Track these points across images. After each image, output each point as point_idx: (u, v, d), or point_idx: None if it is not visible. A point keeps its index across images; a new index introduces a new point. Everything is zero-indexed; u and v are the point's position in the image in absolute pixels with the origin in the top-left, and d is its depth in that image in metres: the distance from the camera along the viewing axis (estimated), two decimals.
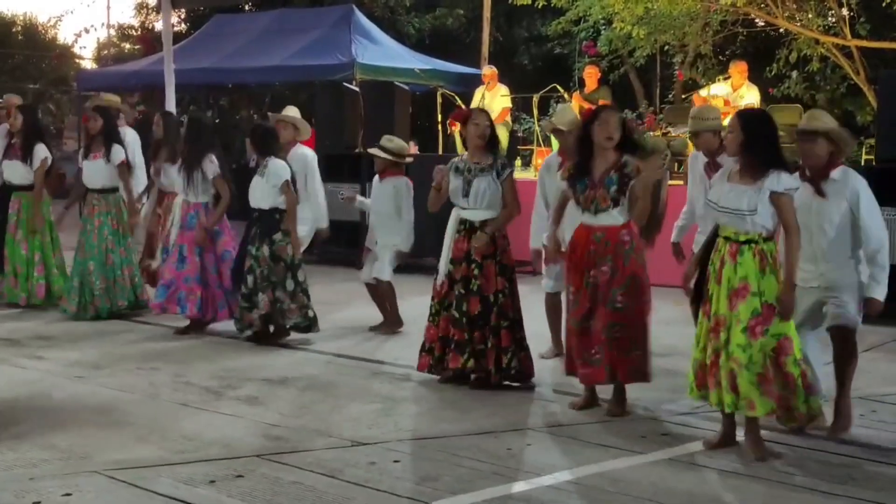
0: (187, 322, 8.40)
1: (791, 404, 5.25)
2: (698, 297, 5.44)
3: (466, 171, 6.66)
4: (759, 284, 5.15)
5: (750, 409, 5.20)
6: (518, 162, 15.57)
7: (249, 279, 7.83)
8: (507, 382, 6.62)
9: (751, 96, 12.83)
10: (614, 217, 6.00)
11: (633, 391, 6.50)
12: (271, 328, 8.03)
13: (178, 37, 17.28)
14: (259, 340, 7.97)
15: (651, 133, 13.33)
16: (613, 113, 6.10)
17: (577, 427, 5.81)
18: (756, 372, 5.14)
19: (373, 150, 8.31)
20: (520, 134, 17.18)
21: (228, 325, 8.33)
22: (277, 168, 7.79)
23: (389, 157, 8.10)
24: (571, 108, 7.79)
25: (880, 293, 5.50)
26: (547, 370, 6.86)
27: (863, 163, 12.86)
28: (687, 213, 7.10)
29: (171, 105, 11.97)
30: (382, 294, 8.42)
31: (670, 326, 7.15)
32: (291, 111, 8.92)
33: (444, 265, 6.68)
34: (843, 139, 5.56)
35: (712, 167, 6.75)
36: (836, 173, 5.54)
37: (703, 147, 6.83)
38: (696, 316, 5.55)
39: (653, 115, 14.69)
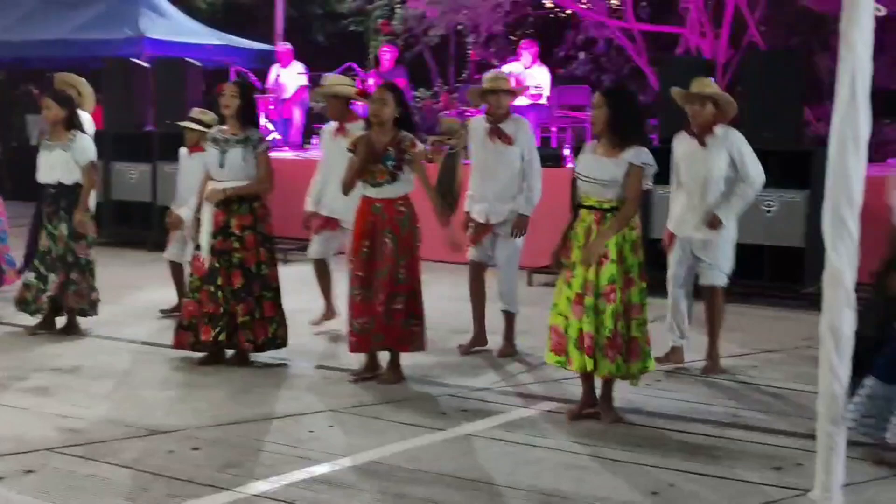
0: None
1: (630, 367, 5.51)
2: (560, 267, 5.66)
3: (223, 142, 6.68)
4: (617, 252, 5.44)
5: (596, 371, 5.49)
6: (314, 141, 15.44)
7: (46, 258, 7.48)
8: (269, 352, 6.77)
9: (540, 76, 13.17)
10: (392, 190, 6.21)
11: (431, 369, 6.63)
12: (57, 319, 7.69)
13: None
14: (46, 327, 7.63)
15: (446, 113, 13.51)
16: (386, 91, 6.27)
17: (379, 407, 5.86)
18: (605, 336, 5.41)
19: (186, 123, 8.08)
20: (316, 112, 17.06)
21: (11, 313, 7.94)
22: (87, 144, 7.54)
23: (204, 130, 7.84)
24: (341, 77, 7.97)
25: (724, 212, 6.50)
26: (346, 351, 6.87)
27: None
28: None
29: None
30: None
31: (464, 303, 7.29)
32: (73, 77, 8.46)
33: (205, 241, 6.65)
34: (727, 102, 6.58)
35: (496, 133, 6.91)
36: (718, 129, 6.56)
37: (495, 108, 6.96)
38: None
39: (448, 93, 14.88)
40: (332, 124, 7.61)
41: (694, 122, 6.58)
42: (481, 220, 7.03)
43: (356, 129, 7.04)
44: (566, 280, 5.59)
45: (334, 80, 7.73)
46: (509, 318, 7.13)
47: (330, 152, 7.50)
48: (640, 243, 5.57)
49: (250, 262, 6.64)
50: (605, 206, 5.51)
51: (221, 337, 6.61)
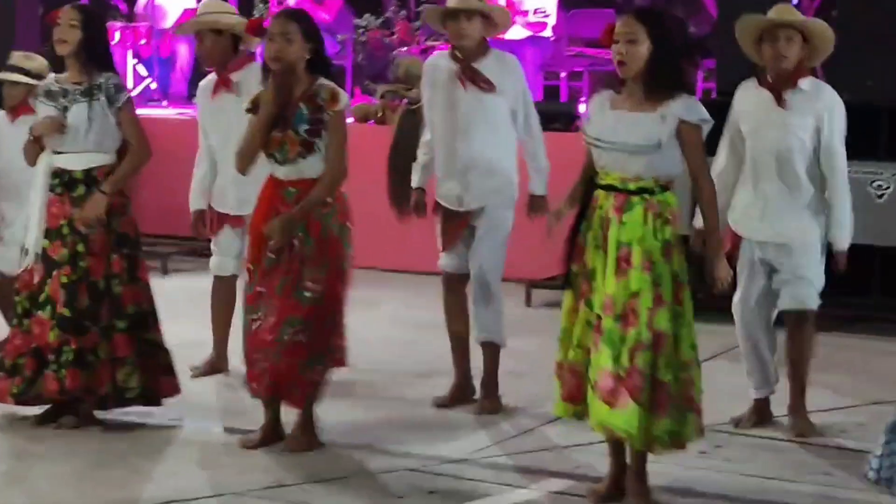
0: None
1: (654, 426, 5.47)
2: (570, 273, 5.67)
3: (61, 95, 6.65)
4: (644, 255, 5.44)
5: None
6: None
7: None
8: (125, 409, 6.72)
9: None
10: (309, 167, 6.18)
11: (382, 430, 6.64)
12: None
13: None
14: None
15: (405, 50, 13.49)
16: (289, 21, 6.21)
17: (306, 487, 5.86)
18: (619, 372, 5.38)
19: (3, 75, 8.04)
20: None
21: None
22: None
23: (31, 82, 7.78)
24: (212, 4, 7.84)
25: (839, 234, 6.57)
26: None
27: (699, 93, 13.44)
28: (430, 143, 7.20)
29: None
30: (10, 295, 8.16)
31: (427, 331, 7.30)
32: None
33: (33, 241, 6.62)
34: (822, 37, 6.62)
35: (469, 76, 6.88)
36: (805, 83, 6.58)
37: (457, 38, 6.91)
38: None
39: (406, 21, 14.89)
40: (210, 78, 7.59)
41: (776, 67, 6.58)
42: (452, 207, 7.02)
43: (248, 79, 7.01)
44: (582, 295, 5.60)
45: (211, 4, 7.68)
46: (492, 353, 7.13)
47: (211, 119, 7.50)
48: (678, 243, 5.57)
49: (97, 274, 6.59)
50: (632, 186, 5.51)
51: (100, 388, 6.53)
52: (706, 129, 5.60)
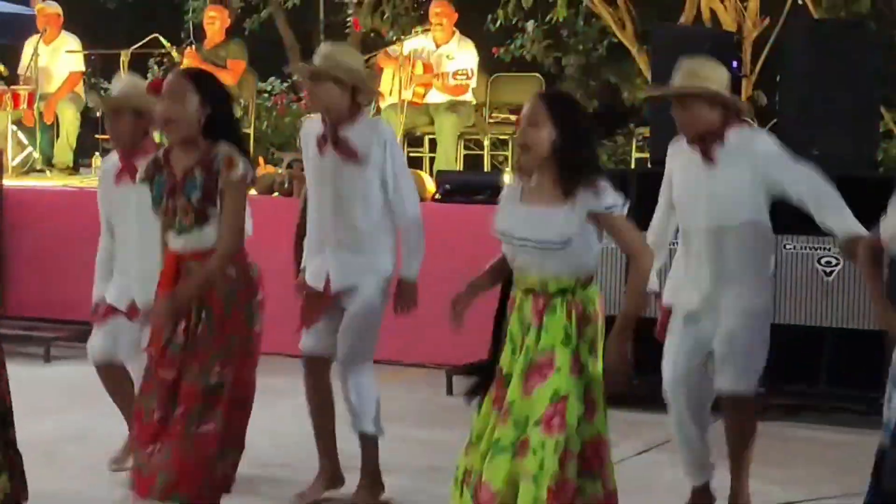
0: None
1: None
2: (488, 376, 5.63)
3: None
4: (571, 356, 5.41)
5: None
6: (95, 160, 15.35)
7: None
8: None
9: (463, 56, 13.21)
10: (200, 238, 6.08)
11: None
12: None
13: None
14: None
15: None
16: (184, 80, 6.13)
17: None
18: (546, 485, 5.27)
19: None
20: (99, 113, 16.96)
21: None
22: None
23: None
24: (134, 82, 7.78)
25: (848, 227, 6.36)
26: None
27: (633, 163, 13.55)
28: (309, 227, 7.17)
29: None
30: None
31: (337, 424, 7.22)
32: None
33: None
34: (734, 105, 6.47)
35: (328, 139, 6.80)
36: (734, 134, 6.38)
37: (315, 105, 6.92)
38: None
39: None
40: (113, 160, 7.46)
41: (685, 132, 6.50)
42: (316, 286, 6.96)
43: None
44: (495, 401, 5.53)
45: (129, 83, 7.59)
46: (369, 442, 7.03)
47: (112, 208, 7.40)
48: (600, 341, 5.53)
49: None
50: (552, 287, 5.48)
51: None
52: (624, 209, 5.51)
